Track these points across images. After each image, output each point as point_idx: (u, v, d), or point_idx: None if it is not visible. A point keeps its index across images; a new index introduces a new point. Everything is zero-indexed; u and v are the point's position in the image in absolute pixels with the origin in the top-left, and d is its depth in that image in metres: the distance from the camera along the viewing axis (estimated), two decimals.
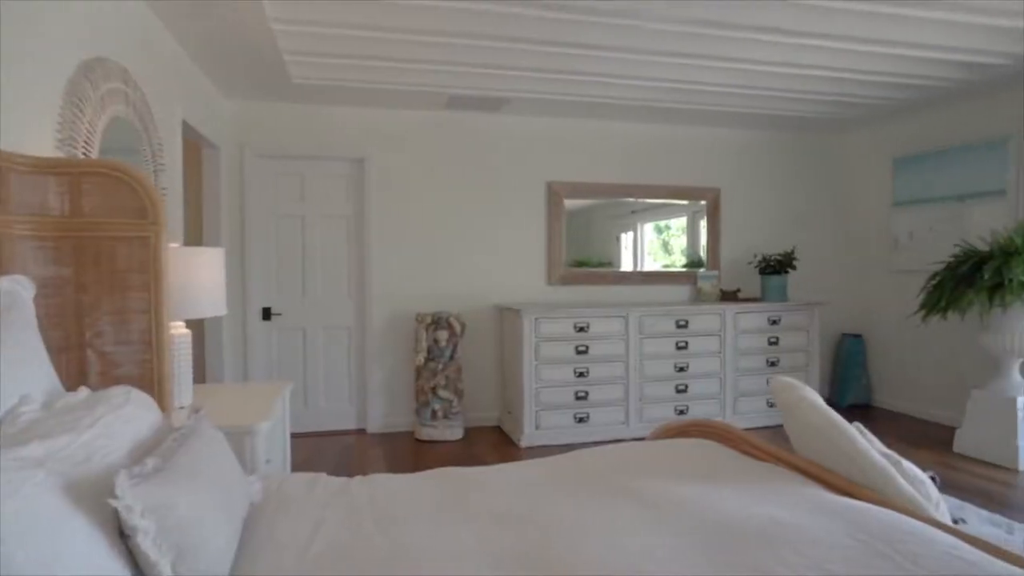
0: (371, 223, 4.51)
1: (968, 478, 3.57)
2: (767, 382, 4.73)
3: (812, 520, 1.39)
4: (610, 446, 2.24)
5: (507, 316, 4.55)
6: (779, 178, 5.40)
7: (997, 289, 3.58)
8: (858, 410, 5.17)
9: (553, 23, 3.06)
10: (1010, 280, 3.51)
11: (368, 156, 4.49)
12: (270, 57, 3.39)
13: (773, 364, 4.74)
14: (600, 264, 5.07)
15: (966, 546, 1.27)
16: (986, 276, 3.60)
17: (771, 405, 4.73)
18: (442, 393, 4.33)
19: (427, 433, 4.34)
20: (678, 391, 4.53)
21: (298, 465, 3.08)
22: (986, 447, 3.83)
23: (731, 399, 4.64)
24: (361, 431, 4.61)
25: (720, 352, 4.62)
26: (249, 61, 3.48)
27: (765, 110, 4.59)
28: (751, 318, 4.68)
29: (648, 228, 5.31)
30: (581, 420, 4.31)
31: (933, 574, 1.17)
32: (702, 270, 5.18)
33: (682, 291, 5.16)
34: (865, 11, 2.99)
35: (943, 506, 1.68)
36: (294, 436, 2.90)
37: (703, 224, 5.24)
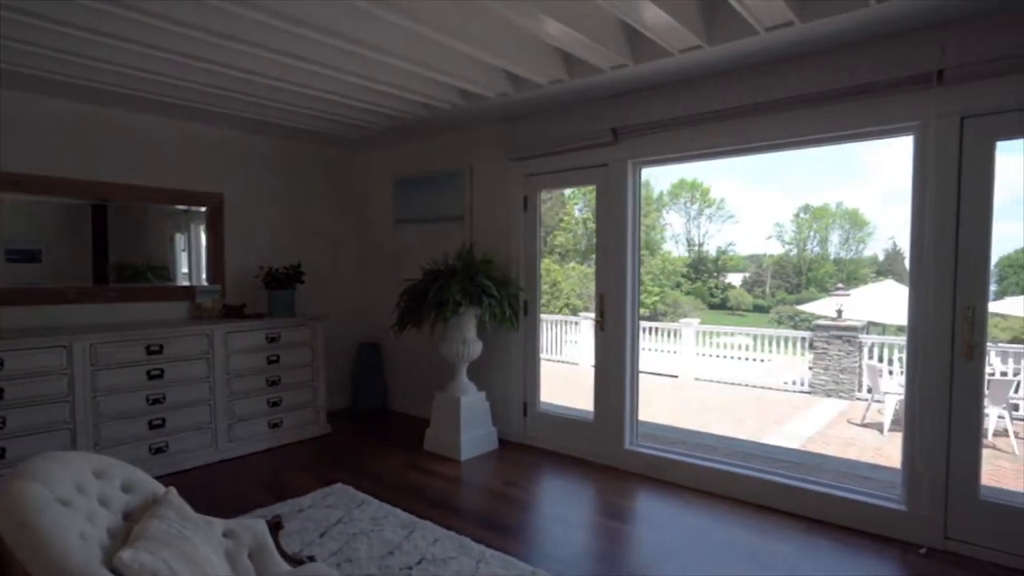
0: None
1: (421, 477, 3.98)
2: (269, 403, 4.53)
3: None
4: None
5: None
6: (294, 189, 5.28)
7: (443, 306, 4.09)
8: (376, 414, 5.49)
9: None
10: (447, 299, 4.05)
11: None
12: None
13: (274, 383, 4.55)
14: (151, 269, 4.38)
15: None
16: (431, 295, 4.08)
17: (274, 426, 4.55)
18: None
19: None
20: (153, 427, 3.91)
21: None
22: (442, 442, 4.39)
23: (224, 427, 4.26)
24: None
25: (208, 377, 4.18)
26: None
27: (272, 119, 4.38)
28: (246, 337, 4.38)
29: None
30: None
31: None
32: (203, 284, 4.66)
33: (178, 308, 4.54)
34: (344, 48, 3.07)
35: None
36: None
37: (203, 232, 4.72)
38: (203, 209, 4.68)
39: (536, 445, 4.55)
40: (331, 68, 3.31)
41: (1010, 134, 2.70)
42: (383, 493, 3.61)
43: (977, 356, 2.75)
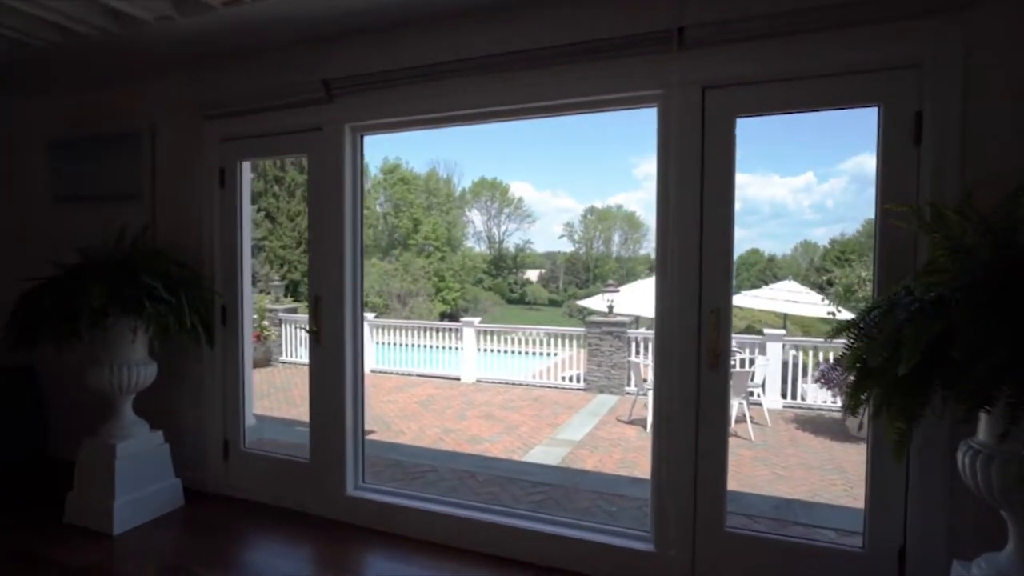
0: None
1: (40, 573, 2.65)
2: None
3: None
4: None
5: None
6: None
7: (74, 317, 2.80)
8: (15, 467, 3.84)
9: None
10: (82, 308, 2.77)
11: None
12: None
13: None
14: None
15: None
16: (48, 302, 2.77)
17: None
18: None
19: None
20: None
21: None
22: (89, 511, 3.08)
23: None
24: None
25: None
26: None
27: None
28: None
29: None
30: None
31: None
32: None
33: None
34: None
35: None
36: None
37: None
38: None
39: (241, 496, 3.45)
40: None
41: (748, 110, 2.37)
42: None
43: (723, 365, 2.40)
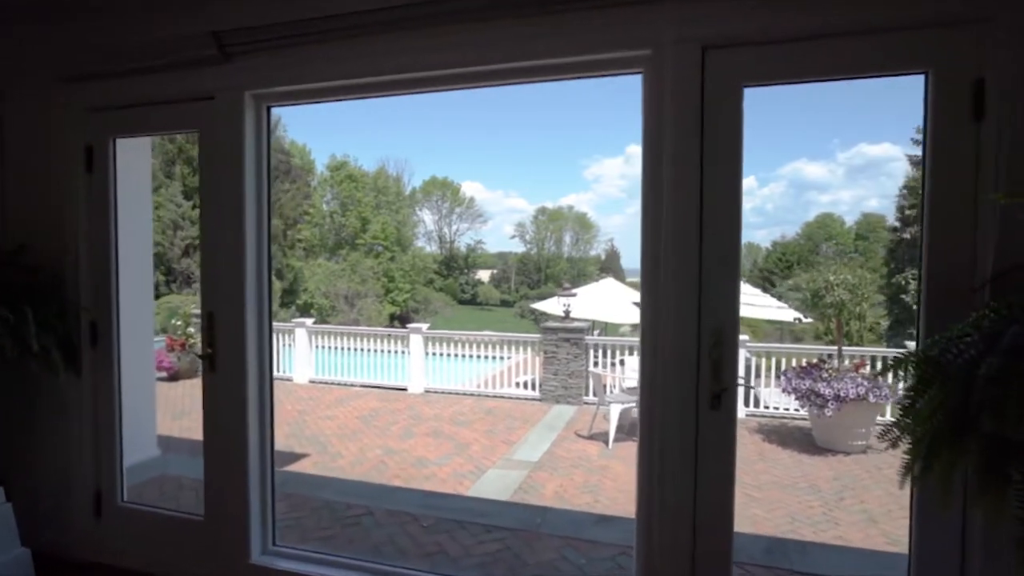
0: None
1: None
2: None
3: None
4: None
5: None
6: None
7: None
8: None
9: None
10: None
11: None
12: None
13: None
14: None
15: None
16: None
17: None
18: None
19: None
20: None
21: None
22: None
23: None
24: None
25: None
26: None
27: None
28: None
29: None
30: None
31: None
32: None
33: None
34: None
35: None
36: None
37: None
38: None
39: (116, 563, 2.72)
40: None
41: (759, 77, 1.87)
42: None
43: (727, 403, 1.88)
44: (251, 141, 2.42)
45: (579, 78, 2.10)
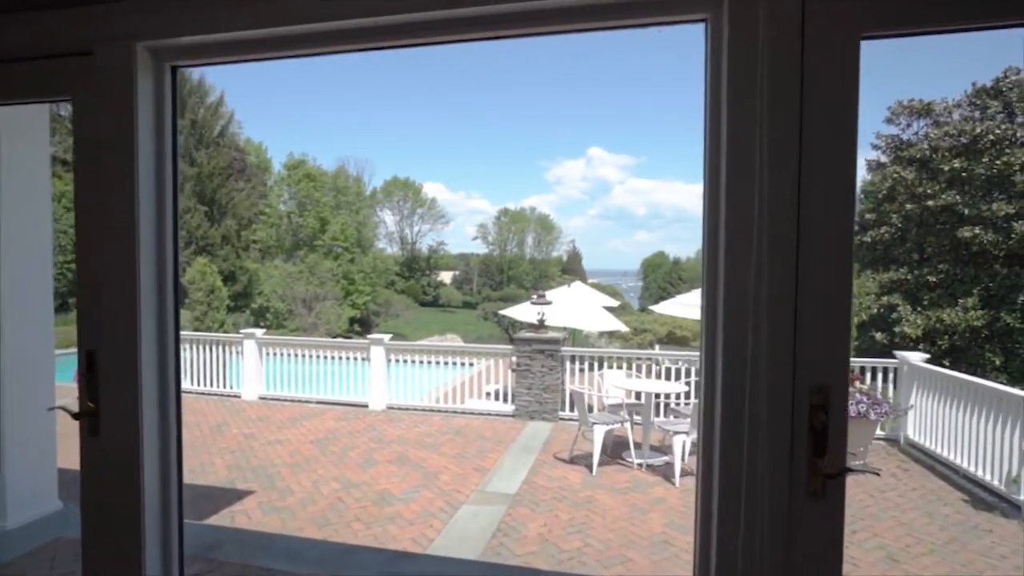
0: None
1: None
2: None
3: None
4: None
5: None
6: None
7: None
8: None
9: None
10: None
11: None
12: None
13: None
14: None
15: None
16: None
17: None
18: None
19: None
20: None
21: None
22: None
23: None
24: None
25: None
26: None
27: None
28: None
29: None
30: None
31: None
32: None
33: None
34: None
35: None
36: None
37: None
38: None
39: None
40: None
41: (885, 25, 1.31)
42: None
43: (834, 490, 1.31)
44: (147, 116, 1.73)
45: (645, 23, 1.48)
